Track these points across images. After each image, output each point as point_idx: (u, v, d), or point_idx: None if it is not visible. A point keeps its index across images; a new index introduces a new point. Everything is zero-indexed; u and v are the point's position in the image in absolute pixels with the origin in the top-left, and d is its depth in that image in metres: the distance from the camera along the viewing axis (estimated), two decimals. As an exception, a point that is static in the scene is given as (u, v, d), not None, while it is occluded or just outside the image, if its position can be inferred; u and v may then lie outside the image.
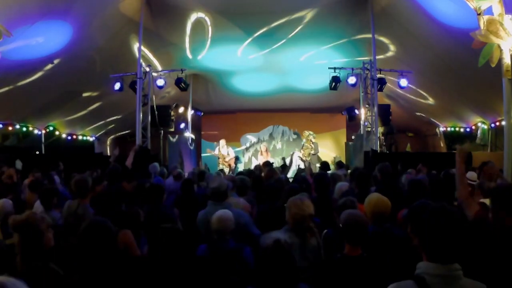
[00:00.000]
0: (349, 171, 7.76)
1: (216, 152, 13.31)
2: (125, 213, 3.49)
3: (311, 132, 13.12)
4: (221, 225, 3.19)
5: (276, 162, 14.68)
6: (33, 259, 2.35)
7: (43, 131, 11.71)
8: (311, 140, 12.99)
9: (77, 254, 2.39)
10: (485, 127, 11.65)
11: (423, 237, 1.76)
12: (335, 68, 10.46)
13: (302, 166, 11.04)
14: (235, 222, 3.33)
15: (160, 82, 10.37)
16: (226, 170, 12.57)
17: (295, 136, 16.16)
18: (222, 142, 13.45)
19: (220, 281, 2.92)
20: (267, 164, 7.51)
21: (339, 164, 9.38)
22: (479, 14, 3.95)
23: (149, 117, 10.48)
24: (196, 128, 15.09)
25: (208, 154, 14.25)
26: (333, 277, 2.56)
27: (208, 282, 2.75)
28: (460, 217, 1.77)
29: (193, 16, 9.28)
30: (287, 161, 8.86)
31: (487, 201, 3.83)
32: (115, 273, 2.30)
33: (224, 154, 13.16)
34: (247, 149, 16.18)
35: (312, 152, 12.89)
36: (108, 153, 13.84)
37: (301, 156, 13.10)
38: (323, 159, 13.13)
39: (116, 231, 2.59)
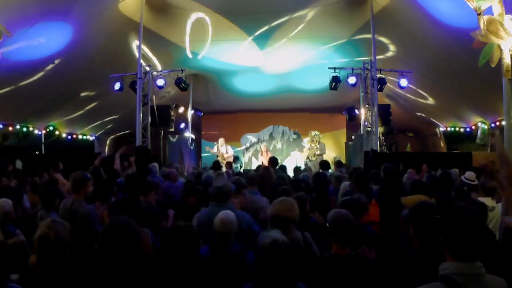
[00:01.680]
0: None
1: (215, 150, 13.32)
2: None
3: (317, 133, 13.07)
4: (225, 228, 3.06)
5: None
6: (57, 269, 2.24)
7: (43, 131, 11.71)
8: (317, 141, 12.96)
9: (98, 256, 2.27)
10: (485, 127, 11.65)
11: (446, 237, 1.81)
12: (335, 68, 10.47)
13: (302, 166, 11.03)
14: (238, 224, 3.22)
15: (160, 82, 10.37)
16: (224, 169, 12.54)
17: (295, 136, 16.16)
18: (221, 140, 13.46)
19: (224, 285, 2.90)
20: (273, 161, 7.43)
21: (338, 164, 9.40)
22: (479, 14, 3.95)
23: (149, 117, 10.49)
24: (196, 128, 15.08)
25: (208, 154, 14.25)
26: (321, 276, 2.57)
27: (211, 285, 2.72)
28: (480, 214, 1.81)
29: (193, 16, 9.29)
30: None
31: (487, 200, 3.84)
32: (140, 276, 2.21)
33: (223, 152, 13.17)
34: (247, 149, 16.19)
35: (318, 152, 12.88)
36: (106, 153, 13.87)
37: (307, 156, 13.10)
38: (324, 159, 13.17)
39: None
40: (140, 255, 2.28)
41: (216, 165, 8.60)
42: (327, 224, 2.75)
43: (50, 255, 2.19)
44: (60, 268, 2.21)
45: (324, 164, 7.84)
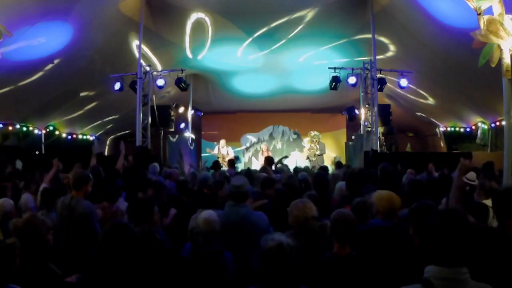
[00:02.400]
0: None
1: (216, 151, 13.33)
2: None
3: (316, 133, 13.06)
4: (209, 227, 3.09)
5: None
6: (32, 261, 2.32)
7: (43, 131, 11.71)
8: (317, 141, 12.95)
9: (99, 258, 2.31)
10: (485, 127, 11.65)
11: (429, 241, 1.78)
12: (335, 68, 10.47)
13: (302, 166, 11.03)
14: (256, 224, 3.25)
15: (160, 82, 10.38)
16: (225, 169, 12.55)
17: (295, 136, 16.16)
18: (222, 142, 13.47)
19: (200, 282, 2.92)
20: (269, 160, 7.37)
21: (338, 165, 9.42)
22: (479, 14, 3.95)
23: (149, 117, 10.49)
24: (196, 128, 15.08)
25: (208, 154, 14.25)
26: (323, 276, 2.57)
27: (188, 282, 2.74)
28: (466, 220, 1.79)
29: (193, 16, 9.28)
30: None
31: (489, 201, 3.83)
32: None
33: (224, 153, 13.17)
34: (247, 149, 16.19)
35: (318, 152, 12.88)
36: (106, 153, 13.86)
37: (308, 156, 13.09)
38: (324, 159, 13.18)
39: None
40: (138, 258, 2.31)
41: (216, 165, 8.54)
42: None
43: (23, 243, 2.29)
44: (33, 259, 2.31)
45: (324, 170, 7.87)
